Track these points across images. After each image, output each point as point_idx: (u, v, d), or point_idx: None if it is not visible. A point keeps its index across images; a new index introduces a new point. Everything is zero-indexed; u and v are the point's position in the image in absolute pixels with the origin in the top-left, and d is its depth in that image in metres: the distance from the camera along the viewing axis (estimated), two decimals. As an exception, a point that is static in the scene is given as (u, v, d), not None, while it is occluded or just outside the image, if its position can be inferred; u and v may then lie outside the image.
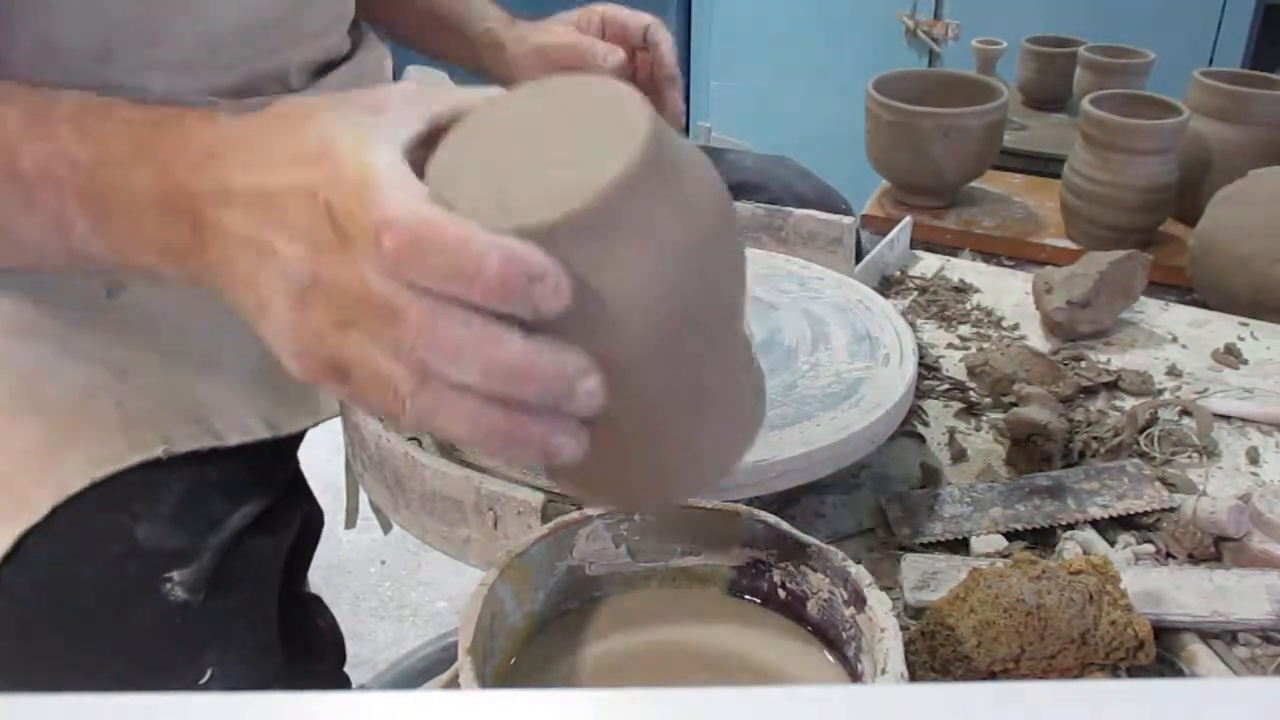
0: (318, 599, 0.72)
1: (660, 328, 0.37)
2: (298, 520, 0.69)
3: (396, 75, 0.94)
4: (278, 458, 0.71)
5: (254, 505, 0.63)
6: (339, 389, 0.38)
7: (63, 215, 0.46)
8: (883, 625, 0.45)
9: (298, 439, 0.75)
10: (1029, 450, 0.70)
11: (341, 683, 0.71)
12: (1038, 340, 0.87)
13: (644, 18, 0.84)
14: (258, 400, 0.69)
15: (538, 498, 0.58)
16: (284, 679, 0.61)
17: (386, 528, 0.86)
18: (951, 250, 1.34)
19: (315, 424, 0.73)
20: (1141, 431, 0.73)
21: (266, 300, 0.38)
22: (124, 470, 0.59)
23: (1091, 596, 0.51)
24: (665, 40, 0.83)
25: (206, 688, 0.57)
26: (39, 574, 0.56)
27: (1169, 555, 0.63)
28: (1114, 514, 0.65)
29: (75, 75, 0.69)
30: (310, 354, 0.38)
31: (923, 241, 1.29)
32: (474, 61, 0.92)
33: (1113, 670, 0.52)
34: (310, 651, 0.67)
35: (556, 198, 0.35)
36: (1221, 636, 0.57)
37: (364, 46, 0.88)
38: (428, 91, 0.41)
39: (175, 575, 0.58)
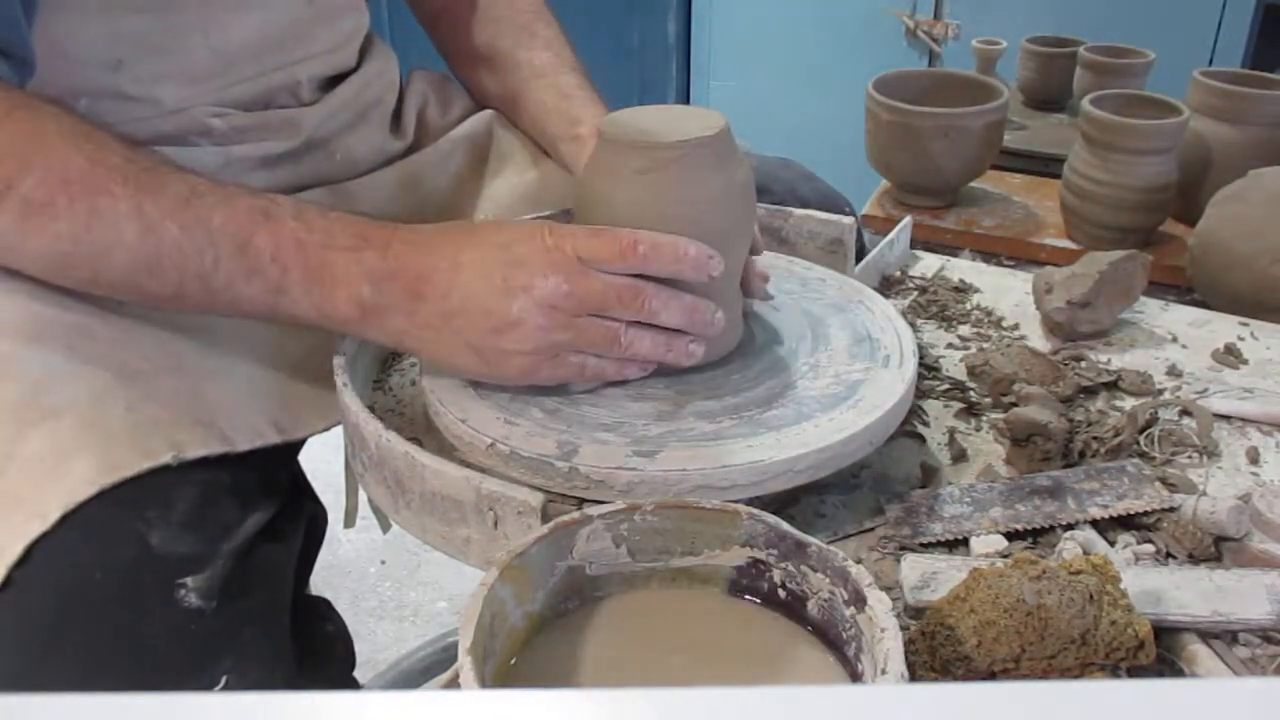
0: (327, 603, 0.72)
1: (727, 224, 0.66)
2: (304, 524, 0.69)
3: (402, 80, 0.94)
4: (283, 462, 0.70)
5: (264, 512, 0.63)
6: (548, 364, 0.62)
7: (282, 283, 0.62)
8: (883, 625, 0.45)
9: (300, 443, 0.75)
10: (1029, 450, 0.70)
11: (351, 687, 0.70)
12: (1038, 340, 0.87)
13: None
14: (267, 404, 0.69)
15: (538, 498, 0.58)
16: (295, 685, 0.61)
17: (385, 527, 0.86)
18: (951, 250, 1.34)
19: (325, 429, 0.72)
20: (1141, 431, 0.73)
21: (516, 320, 0.60)
22: (136, 476, 0.58)
23: (1092, 596, 0.51)
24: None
25: None
26: (52, 580, 0.56)
27: (1169, 555, 0.63)
28: (1114, 514, 0.65)
29: (86, 83, 0.70)
30: (545, 348, 0.62)
31: (923, 241, 1.29)
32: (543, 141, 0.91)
33: (1113, 670, 0.52)
34: (319, 656, 0.67)
35: (695, 131, 0.65)
36: (1221, 636, 0.57)
37: (372, 56, 0.88)
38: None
39: (189, 581, 0.57)
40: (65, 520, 0.56)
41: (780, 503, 0.65)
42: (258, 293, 0.62)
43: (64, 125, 0.61)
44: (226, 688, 0.57)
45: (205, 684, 0.57)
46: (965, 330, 0.89)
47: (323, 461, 0.90)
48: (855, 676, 0.47)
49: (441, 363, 0.65)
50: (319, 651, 0.67)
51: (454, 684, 0.43)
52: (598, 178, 0.66)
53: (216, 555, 0.59)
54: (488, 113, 0.93)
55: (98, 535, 0.57)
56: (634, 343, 0.63)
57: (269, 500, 0.64)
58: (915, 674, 0.52)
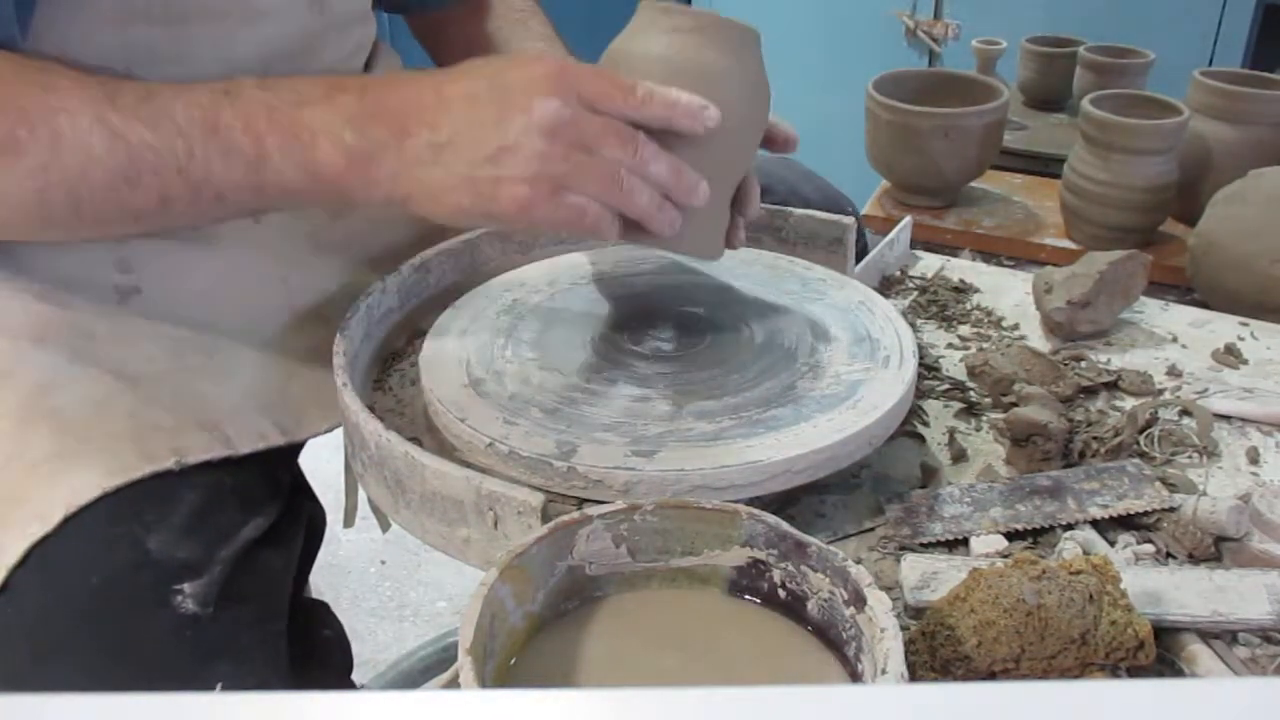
0: (325, 606, 0.72)
1: (737, 117, 0.65)
2: (303, 528, 0.69)
3: None
4: (284, 464, 0.70)
5: (265, 517, 0.63)
6: (546, 201, 0.58)
7: (260, 151, 0.59)
8: (883, 625, 0.45)
9: (300, 444, 0.75)
10: (1029, 450, 0.70)
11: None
12: (1038, 340, 0.87)
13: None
14: (270, 406, 0.69)
15: (538, 498, 0.58)
16: (291, 689, 0.61)
17: (385, 527, 0.86)
18: (951, 250, 1.34)
19: (328, 429, 0.72)
20: (1141, 431, 0.73)
21: (513, 143, 0.57)
22: (137, 480, 0.58)
23: (1091, 596, 0.51)
24: None
25: None
26: (51, 583, 0.56)
27: (1169, 555, 0.63)
28: (1114, 514, 0.65)
29: None
30: (546, 178, 0.57)
31: (923, 241, 1.29)
32: None
33: (1113, 670, 0.52)
34: (316, 661, 0.66)
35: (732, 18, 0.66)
36: (1221, 636, 0.57)
37: (377, 63, 0.88)
38: None
39: (186, 588, 0.57)
40: (65, 523, 0.56)
41: (780, 503, 0.65)
42: (239, 173, 0.59)
43: (13, 64, 0.60)
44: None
45: (201, 690, 0.56)
46: (965, 330, 0.89)
47: (323, 461, 0.90)
48: (855, 676, 0.47)
49: (437, 205, 0.61)
50: (316, 656, 0.67)
51: (454, 684, 0.43)
52: (624, 37, 0.68)
53: (214, 561, 0.58)
54: None
55: (96, 539, 0.57)
56: (633, 190, 0.60)
57: (270, 503, 0.64)
58: (915, 674, 0.52)
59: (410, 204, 0.61)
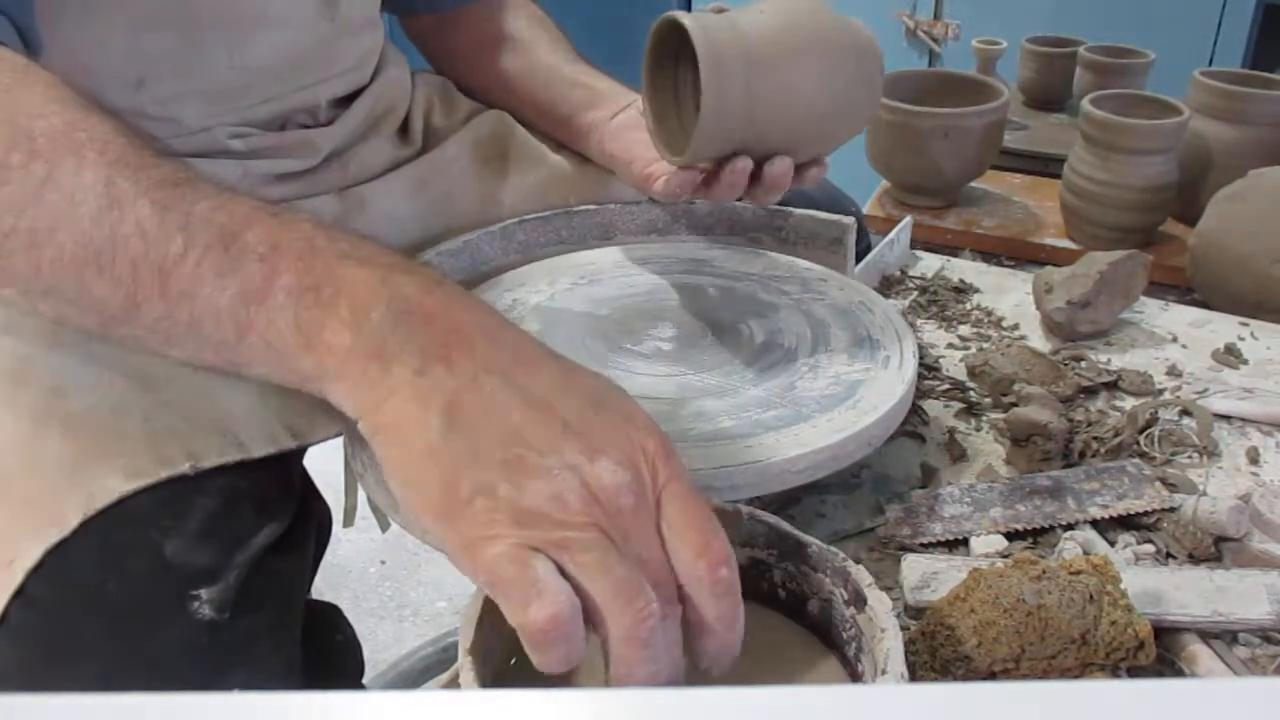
0: (336, 609, 0.72)
1: (835, 102, 0.69)
2: (314, 533, 0.69)
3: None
4: (295, 468, 0.70)
5: (280, 521, 0.62)
6: (517, 567, 0.40)
7: (264, 287, 0.46)
8: (883, 625, 0.45)
9: (306, 446, 0.74)
10: (1029, 450, 0.70)
11: None
12: (1038, 340, 0.87)
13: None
14: (281, 409, 0.69)
15: (538, 498, 0.58)
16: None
17: (385, 527, 0.85)
18: (951, 250, 1.34)
19: (339, 433, 0.72)
20: (1141, 431, 0.73)
21: (547, 469, 0.41)
22: (152, 485, 0.58)
23: (1092, 596, 0.51)
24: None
25: None
26: (67, 588, 0.55)
27: (1169, 555, 0.63)
28: (1114, 514, 0.65)
29: (108, 102, 0.68)
30: (536, 540, 0.40)
31: (923, 241, 1.29)
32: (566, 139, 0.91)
33: (1113, 670, 0.52)
34: (330, 666, 0.66)
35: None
36: (1221, 636, 0.57)
37: (385, 67, 0.88)
38: None
39: (204, 593, 0.57)
40: (81, 528, 0.56)
41: (780, 503, 0.65)
42: (226, 299, 0.46)
43: (56, 91, 0.51)
44: None
45: None
46: (965, 330, 0.89)
47: (323, 461, 0.90)
48: (855, 676, 0.47)
49: (401, 483, 0.44)
50: (330, 661, 0.66)
51: (454, 684, 0.43)
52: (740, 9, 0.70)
53: (230, 567, 0.58)
54: (493, 113, 0.93)
55: (112, 544, 0.57)
56: (657, 640, 0.41)
57: (284, 507, 0.64)
58: (915, 674, 0.52)
59: (379, 459, 0.47)
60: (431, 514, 0.42)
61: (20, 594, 0.55)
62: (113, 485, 0.57)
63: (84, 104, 0.51)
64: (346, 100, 0.83)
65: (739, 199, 0.74)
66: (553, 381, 0.44)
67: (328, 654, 0.67)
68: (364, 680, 0.74)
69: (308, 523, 0.68)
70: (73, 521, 0.56)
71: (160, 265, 0.47)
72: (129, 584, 0.56)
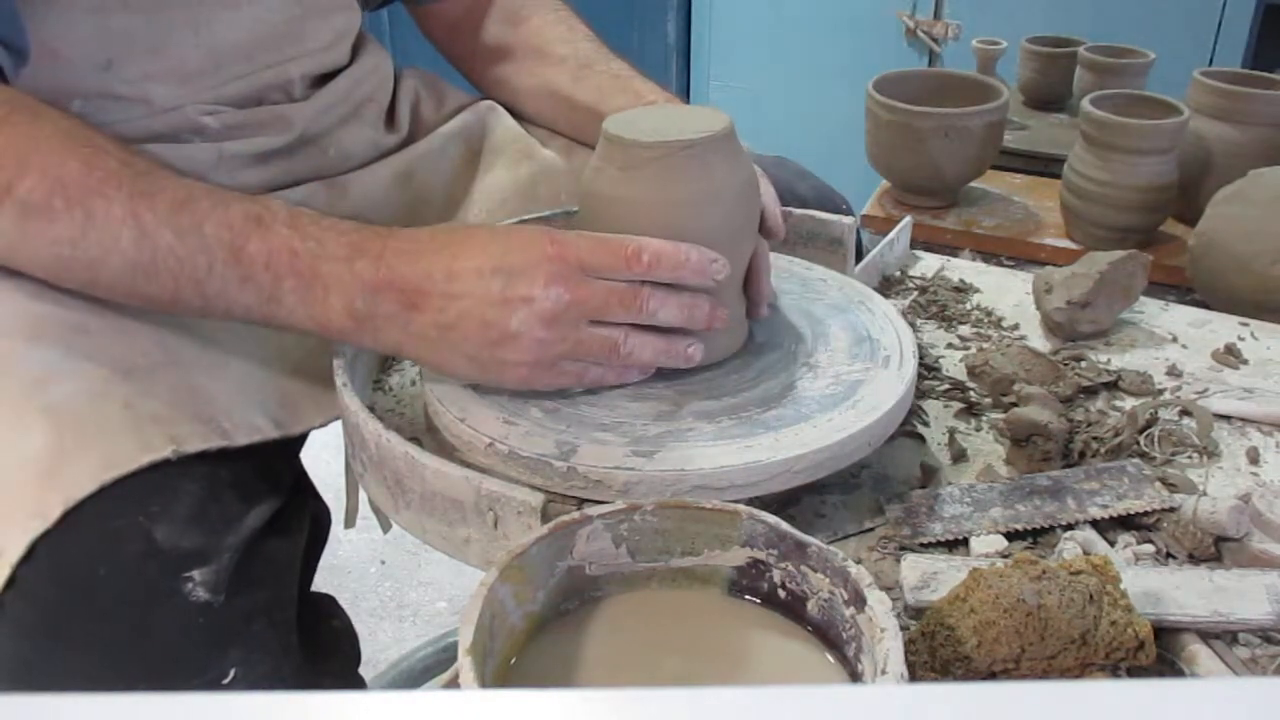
0: (331, 599, 0.72)
1: (731, 225, 0.67)
2: (308, 520, 0.69)
3: (396, 79, 0.94)
4: (284, 459, 0.70)
5: (267, 506, 0.63)
6: (546, 373, 0.62)
7: (276, 291, 0.62)
8: (883, 625, 0.45)
9: (301, 440, 0.75)
10: (1029, 450, 0.70)
11: (356, 683, 0.70)
12: (1038, 340, 0.87)
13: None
14: (264, 399, 0.69)
15: (538, 498, 0.58)
16: (303, 678, 0.61)
17: (385, 527, 0.86)
18: (951, 250, 1.34)
19: (322, 424, 0.73)
20: (1141, 431, 0.73)
21: (515, 333, 0.60)
22: (136, 472, 0.58)
23: (1092, 596, 0.51)
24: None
25: (230, 688, 0.56)
26: (57, 577, 0.56)
27: (1169, 555, 0.63)
28: (1114, 514, 0.65)
29: (78, 84, 0.70)
30: (546, 359, 0.61)
31: (923, 241, 1.29)
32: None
33: (1113, 670, 0.52)
34: (326, 651, 0.67)
35: (690, 132, 0.65)
36: (1221, 636, 0.57)
37: (365, 54, 0.88)
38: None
39: (196, 575, 0.57)
40: (68, 517, 0.56)
41: (780, 503, 0.65)
42: (252, 300, 0.62)
43: (61, 127, 0.62)
44: (235, 680, 0.57)
45: (214, 677, 0.57)
46: (965, 330, 0.89)
47: (323, 461, 0.90)
48: (855, 676, 0.47)
49: (439, 371, 0.65)
50: (325, 647, 0.67)
51: (454, 684, 0.43)
52: (601, 177, 0.66)
53: (222, 549, 0.59)
54: (482, 106, 0.93)
55: (101, 531, 0.57)
56: (634, 350, 0.63)
57: (271, 495, 0.64)
58: (915, 674, 0.52)
59: (416, 363, 0.69)
60: (472, 377, 0.64)
61: (12, 585, 0.55)
62: (94, 474, 0.57)
63: (88, 137, 0.62)
64: (323, 80, 0.83)
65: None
66: (476, 275, 0.60)
67: (324, 639, 0.67)
68: (364, 681, 0.74)
69: (300, 511, 0.68)
70: (56, 511, 0.56)
71: (194, 277, 0.61)
72: (121, 569, 0.56)
